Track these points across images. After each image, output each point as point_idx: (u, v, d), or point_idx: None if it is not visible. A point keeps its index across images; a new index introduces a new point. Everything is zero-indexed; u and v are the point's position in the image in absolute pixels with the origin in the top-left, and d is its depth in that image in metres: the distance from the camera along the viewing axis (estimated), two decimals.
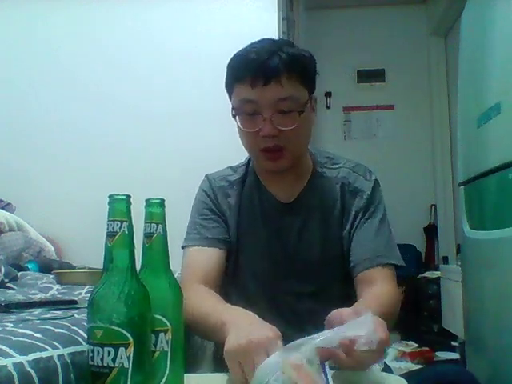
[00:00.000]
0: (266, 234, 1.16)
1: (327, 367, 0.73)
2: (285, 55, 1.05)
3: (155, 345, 0.71)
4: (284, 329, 1.10)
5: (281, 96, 1.04)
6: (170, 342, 0.72)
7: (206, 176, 1.24)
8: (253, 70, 1.04)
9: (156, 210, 0.74)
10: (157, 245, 0.74)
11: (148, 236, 0.74)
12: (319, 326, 1.10)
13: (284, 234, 1.15)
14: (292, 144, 1.08)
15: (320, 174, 1.19)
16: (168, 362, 0.71)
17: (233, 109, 1.10)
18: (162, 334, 0.71)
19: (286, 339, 1.09)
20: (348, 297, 1.15)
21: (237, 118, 1.10)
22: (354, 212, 1.15)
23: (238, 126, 1.11)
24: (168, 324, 0.72)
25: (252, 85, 1.04)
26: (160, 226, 0.74)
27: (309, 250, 1.14)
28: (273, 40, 1.12)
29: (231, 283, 1.17)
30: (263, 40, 1.11)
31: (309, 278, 1.14)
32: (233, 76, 1.10)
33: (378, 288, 1.07)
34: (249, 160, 1.24)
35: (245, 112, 1.07)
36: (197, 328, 0.99)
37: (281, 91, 1.04)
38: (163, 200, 0.75)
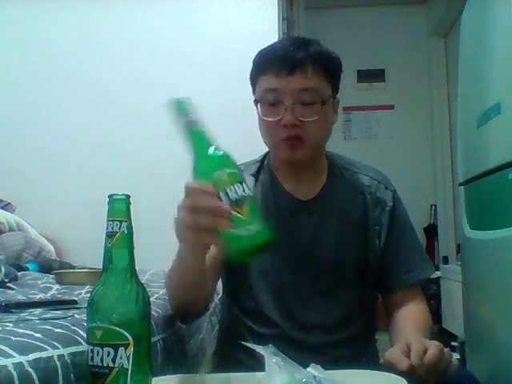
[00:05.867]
0: (277, 231, 1.14)
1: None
2: (312, 49, 1.07)
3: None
4: (290, 331, 1.10)
5: (304, 86, 1.05)
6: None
7: None
8: (278, 61, 1.05)
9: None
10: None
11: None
12: (327, 329, 1.10)
13: (298, 231, 1.14)
14: (312, 136, 1.07)
15: (339, 177, 1.18)
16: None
17: (255, 100, 1.11)
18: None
19: (293, 341, 1.09)
20: (361, 300, 1.16)
21: (258, 107, 1.09)
22: (379, 224, 1.16)
23: (259, 117, 1.10)
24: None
25: (276, 74, 1.05)
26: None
27: (323, 249, 1.13)
28: (300, 37, 1.13)
29: (239, 281, 1.16)
30: (291, 37, 1.12)
31: (320, 277, 1.13)
32: (257, 69, 1.10)
33: (416, 309, 1.14)
34: (263, 157, 1.22)
35: (267, 101, 1.07)
36: (176, 288, 1.00)
37: (304, 81, 1.05)
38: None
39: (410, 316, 1.12)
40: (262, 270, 1.13)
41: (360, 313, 1.16)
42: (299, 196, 1.15)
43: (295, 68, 1.04)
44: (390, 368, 0.84)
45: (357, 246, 1.14)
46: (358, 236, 1.15)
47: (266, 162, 1.21)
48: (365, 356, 1.14)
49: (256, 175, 1.18)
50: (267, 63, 1.07)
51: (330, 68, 1.10)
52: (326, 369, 0.74)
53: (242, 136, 1.81)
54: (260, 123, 1.12)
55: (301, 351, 1.07)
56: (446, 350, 0.86)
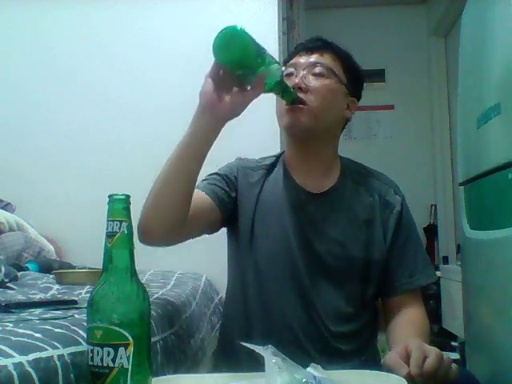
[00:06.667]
0: (285, 219, 1.17)
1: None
2: (335, 45, 1.22)
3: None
4: (291, 317, 1.12)
5: (318, 61, 1.17)
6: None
7: (237, 157, 1.30)
8: (301, 47, 1.23)
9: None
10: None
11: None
12: (329, 320, 1.12)
13: (305, 221, 1.17)
14: (314, 102, 1.13)
15: (350, 177, 1.23)
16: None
17: None
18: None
19: (293, 332, 1.11)
20: (363, 297, 1.18)
21: None
22: (385, 225, 1.19)
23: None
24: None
25: (298, 55, 1.21)
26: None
27: (326, 242, 1.16)
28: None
29: (246, 265, 1.18)
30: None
31: (322, 268, 1.15)
32: (287, 59, 1.25)
33: (415, 314, 1.16)
34: (280, 154, 1.29)
35: (286, 72, 1.17)
36: (167, 181, 1.00)
37: (319, 58, 1.18)
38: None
39: (409, 320, 1.14)
40: (270, 255, 1.16)
41: (362, 310, 1.17)
42: (309, 189, 1.20)
43: (314, 50, 1.19)
44: (389, 372, 0.84)
45: (361, 243, 1.17)
46: (364, 234, 1.17)
47: (281, 157, 1.27)
48: (365, 354, 1.15)
49: (270, 168, 1.24)
50: (294, 50, 1.24)
51: (347, 61, 1.21)
52: (326, 368, 0.74)
53: (242, 135, 1.81)
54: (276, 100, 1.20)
55: (302, 342, 1.09)
56: (445, 356, 0.86)
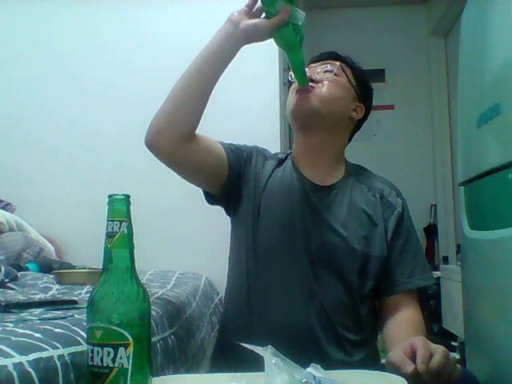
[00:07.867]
0: (291, 206, 1.21)
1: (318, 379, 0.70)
2: (348, 57, 1.31)
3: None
4: (293, 300, 1.13)
5: (331, 63, 1.27)
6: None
7: (254, 145, 1.35)
8: (315, 58, 1.32)
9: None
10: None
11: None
12: (329, 303, 1.13)
13: (308, 211, 1.20)
14: (320, 91, 1.22)
15: (355, 177, 1.28)
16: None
17: (289, 80, 1.32)
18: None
19: (295, 313, 1.12)
20: (360, 290, 1.19)
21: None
22: (386, 224, 1.22)
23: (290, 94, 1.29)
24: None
25: (313, 63, 1.30)
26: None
27: (327, 232, 1.19)
28: None
29: (249, 251, 1.20)
30: None
31: (323, 258, 1.18)
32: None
33: (412, 314, 1.19)
34: (291, 152, 1.35)
35: None
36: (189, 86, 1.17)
37: (331, 63, 1.28)
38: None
39: (406, 320, 1.15)
40: (273, 240, 1.19)
41: (360, 303, 1.18)
42: (316, 182, 1.24)
43: (329, 58, 1.29)
44: (393, 369, 0.84)
45: (361, 237, 1.19)
46: (365, 229, 1.20)
47: (290, 154, 1.33)
48: (365, 349, 1.16)
49: (281, 161, 1.31)
50: (309, 62, 1.31)
51: (357, 71, 1.30)
52: (325, 368, 0.74)
53: (243, 136, 1.81)
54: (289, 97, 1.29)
55: (303, 330, 1.10)
56: (451, 355, 0.86)
